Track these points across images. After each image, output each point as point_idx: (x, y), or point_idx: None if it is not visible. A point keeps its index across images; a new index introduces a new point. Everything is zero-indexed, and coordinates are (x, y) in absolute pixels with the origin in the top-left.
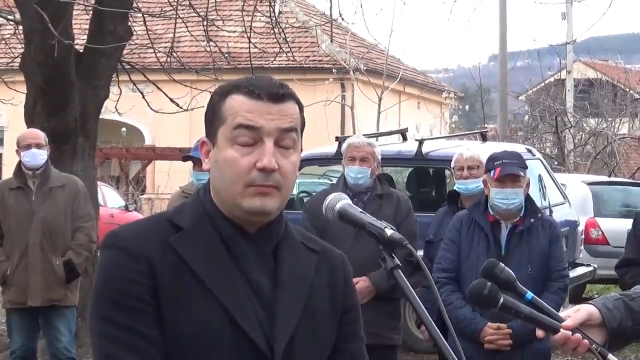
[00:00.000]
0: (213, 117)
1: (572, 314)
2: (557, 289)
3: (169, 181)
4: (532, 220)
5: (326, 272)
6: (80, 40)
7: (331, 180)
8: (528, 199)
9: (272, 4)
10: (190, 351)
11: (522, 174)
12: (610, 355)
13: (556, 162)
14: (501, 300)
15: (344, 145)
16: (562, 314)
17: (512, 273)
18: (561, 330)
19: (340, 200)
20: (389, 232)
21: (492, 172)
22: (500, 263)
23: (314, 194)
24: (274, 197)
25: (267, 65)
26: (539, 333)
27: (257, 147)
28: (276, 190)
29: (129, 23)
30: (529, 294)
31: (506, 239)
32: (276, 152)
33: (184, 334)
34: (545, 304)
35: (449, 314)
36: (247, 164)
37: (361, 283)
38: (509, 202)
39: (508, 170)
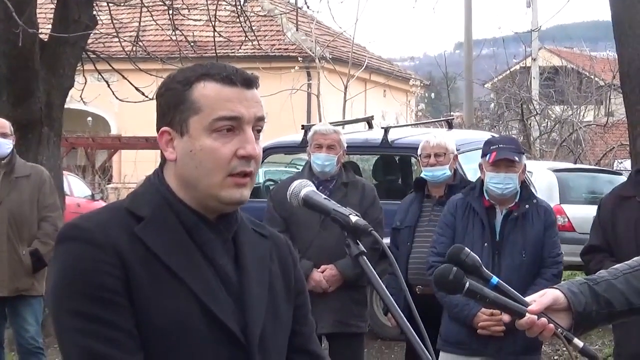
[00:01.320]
0: (179, 106)
1: (538, 298)
2: (552, 275)
3: (135, 170)
4: (527, 206)
5: (277, 256)
6: (45, 29)
7: (297, 169)
8: (524, 184)
9: None
10: (166, 342)
11: (517, 159)
12: (575, 340)
13: None
14: (467, 285)
15: (310, 133)
16: (528, 298)
17: (478, 258)
18: (527, 314)
19: (305, 187)
20: (353, 218)
21: (487, 156)
22: (466, 248)
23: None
24: (248, 186)
25: (232, 54)
26: (505, 318)
27: (236, 135)
28: (250, 180)
29: (94, 11)
30: (495, 279)
31: (501, 224)
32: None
33: (159, 325)
34: (510, 288)
35: (443, 298)
36: (228, 152)
37: (328, 271)
38: (504, 187)
39: (503, 154)
